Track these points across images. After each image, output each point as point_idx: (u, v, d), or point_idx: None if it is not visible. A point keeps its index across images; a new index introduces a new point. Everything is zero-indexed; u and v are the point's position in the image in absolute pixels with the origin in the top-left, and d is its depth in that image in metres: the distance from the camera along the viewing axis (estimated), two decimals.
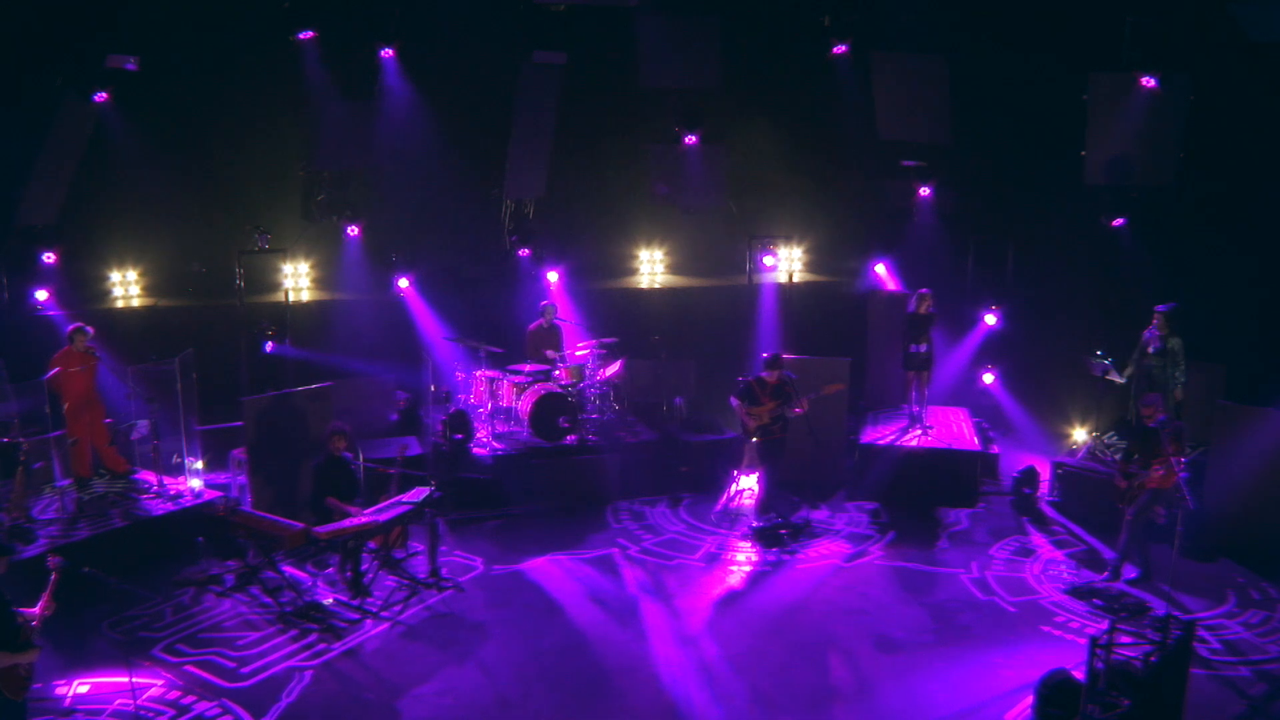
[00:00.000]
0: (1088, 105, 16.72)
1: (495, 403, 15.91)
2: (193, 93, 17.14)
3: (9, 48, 14.32)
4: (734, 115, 18.56)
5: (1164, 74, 16.08)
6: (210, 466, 15.14)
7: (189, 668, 10.96)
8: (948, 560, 13.53)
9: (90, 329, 14.22)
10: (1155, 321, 14.57)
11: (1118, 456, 14.04)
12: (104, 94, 14.85)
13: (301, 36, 16.83)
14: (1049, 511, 14.99)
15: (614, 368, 16.62)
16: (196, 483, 14.49)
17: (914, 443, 15.70)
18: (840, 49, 17.80)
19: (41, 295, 16.42)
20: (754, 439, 14.43)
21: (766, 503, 14.64)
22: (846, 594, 12.68)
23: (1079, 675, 9.25)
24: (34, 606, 8.87)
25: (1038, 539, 14.18)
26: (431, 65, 17.56)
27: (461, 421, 15.36)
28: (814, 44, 18.19)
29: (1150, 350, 14.59)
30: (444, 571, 12.92)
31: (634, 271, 20.21)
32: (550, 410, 15.48)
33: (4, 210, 15.60)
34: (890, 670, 10.96)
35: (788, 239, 18.67)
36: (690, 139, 18.29)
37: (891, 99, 17.90)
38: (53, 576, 9.12)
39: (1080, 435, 16.37)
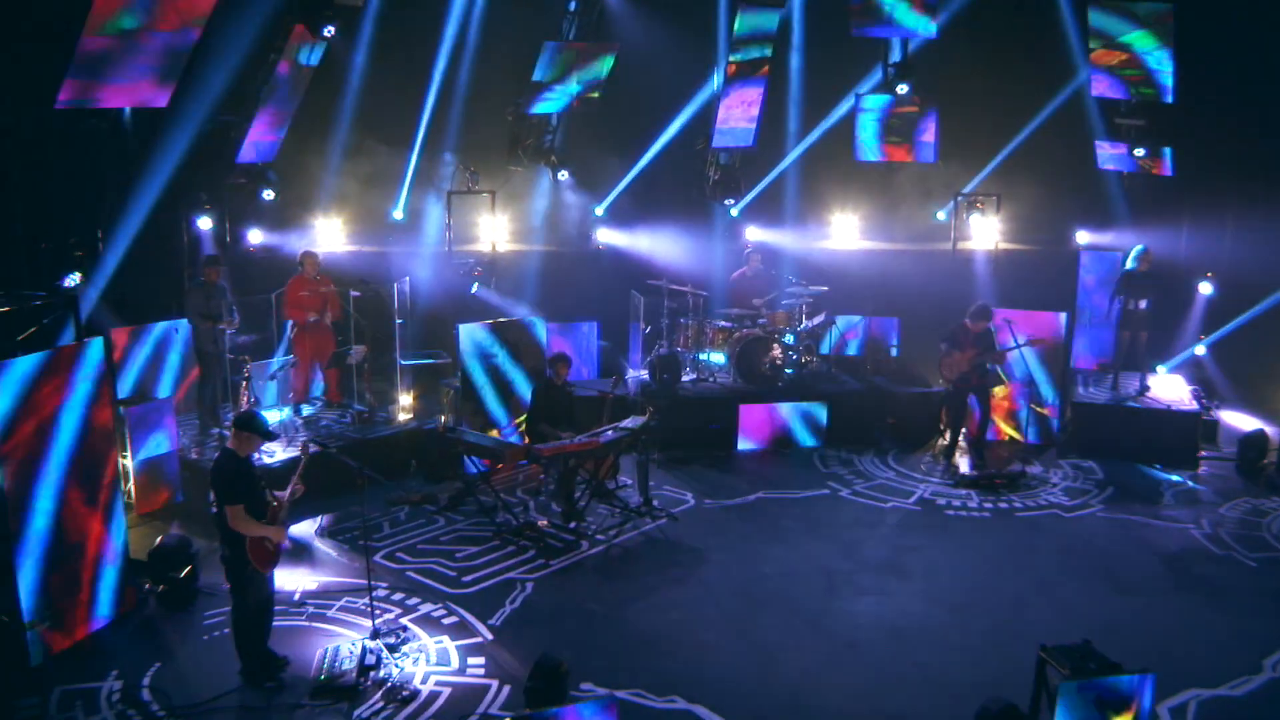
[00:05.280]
0: None
1: (701, 346, 15.80)
2: (411, 31, 17.49)
3: None
4: (945, 68, 18.04)
5: None
6: (418, 401, 15.32)
7: (411, 574, 11.13)
8: (1175, 516, 12.93)
9: (319, 253, 14.54)
10: None
11: None
12: (331, 28, 14.98)
13: None
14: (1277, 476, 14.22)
15: (819, 317, 16.36)
16: (405, 415, 14.73)
17: (1130, 402, 15.18)
18: None
19: (255, 234, 16.82)
20: (951, 385, 14.38)
21: (976, 453, 14.43)
22: (1071, 540, 12.24)
23: None
24: (283, 490, 9.09)
25: (1271, 501, 13.43)
26: (647, 10, 17.49)
27: (669, 364, 15.28)
28: None
29: None
30: (655, 503, 12.87)
31: (830, 235, 19.87)
32: (755, 355, 15.31)
33: (228, 148, 15.95)
34: (1128, 610, 10.52)
35: (995, 199, 18.09)
36: (901, 91, 17.83)
37: (1110, 52, 17.18)
38: (302, 461, 9.35)
39: None
